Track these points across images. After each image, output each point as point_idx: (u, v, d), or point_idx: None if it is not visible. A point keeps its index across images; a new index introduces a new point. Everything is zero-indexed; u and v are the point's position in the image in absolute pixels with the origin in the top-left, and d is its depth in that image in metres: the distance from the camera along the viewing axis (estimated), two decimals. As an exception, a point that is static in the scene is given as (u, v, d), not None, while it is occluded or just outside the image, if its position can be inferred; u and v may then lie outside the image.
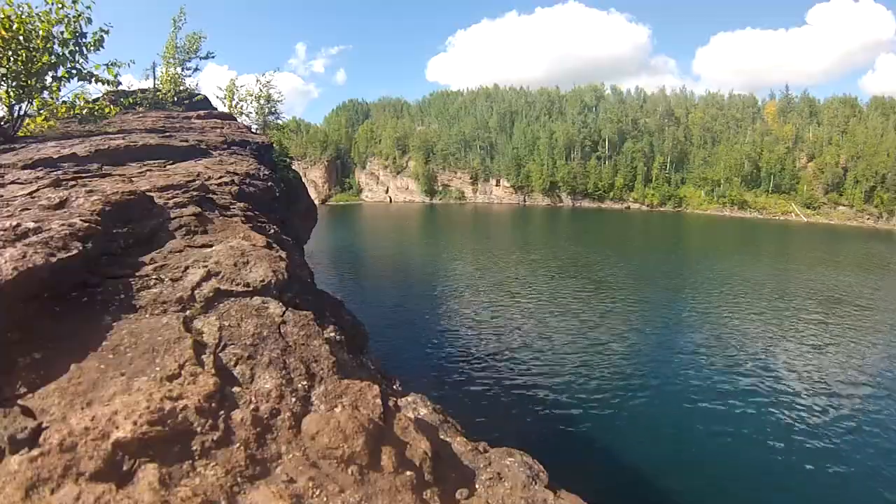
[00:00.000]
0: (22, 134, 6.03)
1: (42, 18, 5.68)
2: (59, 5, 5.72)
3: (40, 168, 3.63)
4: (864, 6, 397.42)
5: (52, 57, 5.86)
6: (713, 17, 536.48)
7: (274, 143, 11.79)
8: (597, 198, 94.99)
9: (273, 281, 2.15)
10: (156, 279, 2.04)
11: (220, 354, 1.66)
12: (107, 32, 6.27)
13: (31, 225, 1.90)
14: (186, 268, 2.15)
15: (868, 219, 77.28)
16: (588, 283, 28.72)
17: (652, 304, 24.37)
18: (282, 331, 1.86)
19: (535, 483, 1.55)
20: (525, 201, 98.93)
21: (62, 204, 2.44)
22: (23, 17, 5.54)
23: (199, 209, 2.99)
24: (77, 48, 6.04)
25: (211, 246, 2.47)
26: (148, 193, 2.89)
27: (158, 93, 12.84)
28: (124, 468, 1.16)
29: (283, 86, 16.94)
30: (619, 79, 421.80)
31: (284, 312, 1.97)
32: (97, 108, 6.73)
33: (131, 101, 10.26)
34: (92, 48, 6.17)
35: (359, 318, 2.96)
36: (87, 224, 2.06)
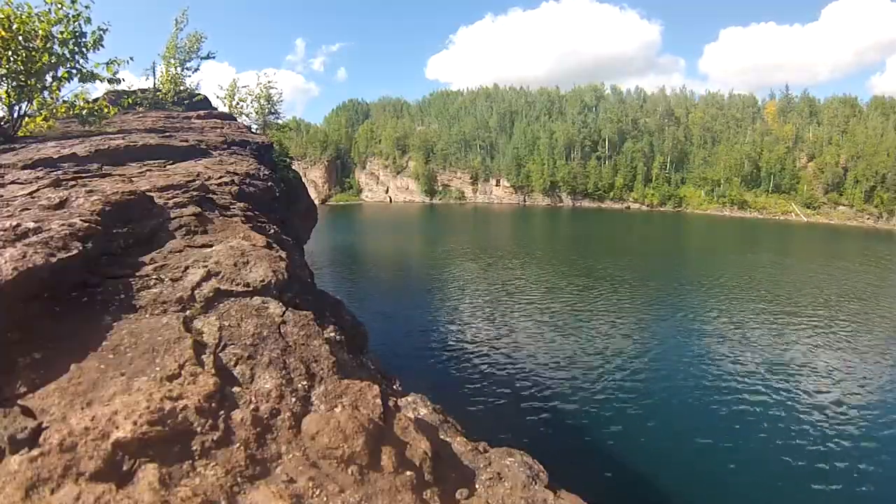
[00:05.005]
0: (22, 134, 6.03)
1: (42, 18, 5.68)
2: (59, 5, 5.72)
3: (40, 168, 3.63)
4: (880, 3, 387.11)
5: (52, 57, 5.86)
6: (726, 11, 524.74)
7: (274, 143, 11.78)
8: (597, 198, 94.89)
9: (273, 281, 2.15)
10: (156, 279, 2.04)
11: (220, 354, 1.66)
12: (105, 31, 6.27)
13: (31, 225, 1.90)
14: (186, 268, 2.15)
15: (868, 219, 77.23)
16: (588, 283, 28.71)
17: (652, 304, 24.37)
18: (282, 331, 1.86)
19: (535, 483, 1.55)
20: (525, 201, 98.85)
21: (62, 204, 2.44)
22: (22, 17, 5.54)
23: (199, 209, 2.99)
24: (76, 48, 6.04)
25: (211, 246, 2.47)
26: (148, 193, 2.89)
27: (158, 93, 12.83)
28: (124, 468, 1.16)
29: (282, 84, 17.00)
30: (625, 78, 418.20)
31: (284, 312, 1.97)
32: (97, 108, 6.73)
33: (131, 101, 10.25)
34: (91, 47, 6.18)
35: (359, 318, 2.96)
36: (87, 224, 2.05)
